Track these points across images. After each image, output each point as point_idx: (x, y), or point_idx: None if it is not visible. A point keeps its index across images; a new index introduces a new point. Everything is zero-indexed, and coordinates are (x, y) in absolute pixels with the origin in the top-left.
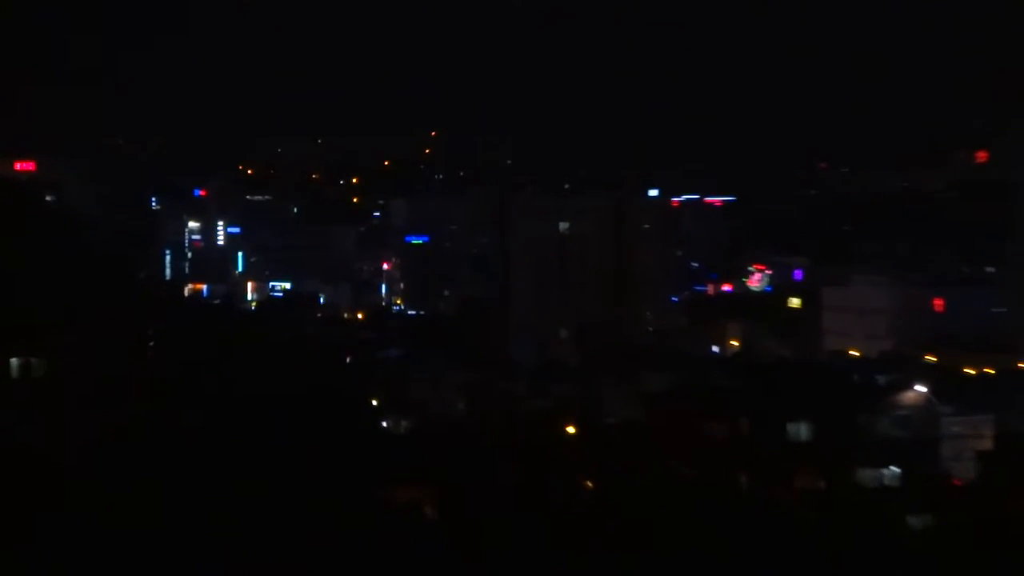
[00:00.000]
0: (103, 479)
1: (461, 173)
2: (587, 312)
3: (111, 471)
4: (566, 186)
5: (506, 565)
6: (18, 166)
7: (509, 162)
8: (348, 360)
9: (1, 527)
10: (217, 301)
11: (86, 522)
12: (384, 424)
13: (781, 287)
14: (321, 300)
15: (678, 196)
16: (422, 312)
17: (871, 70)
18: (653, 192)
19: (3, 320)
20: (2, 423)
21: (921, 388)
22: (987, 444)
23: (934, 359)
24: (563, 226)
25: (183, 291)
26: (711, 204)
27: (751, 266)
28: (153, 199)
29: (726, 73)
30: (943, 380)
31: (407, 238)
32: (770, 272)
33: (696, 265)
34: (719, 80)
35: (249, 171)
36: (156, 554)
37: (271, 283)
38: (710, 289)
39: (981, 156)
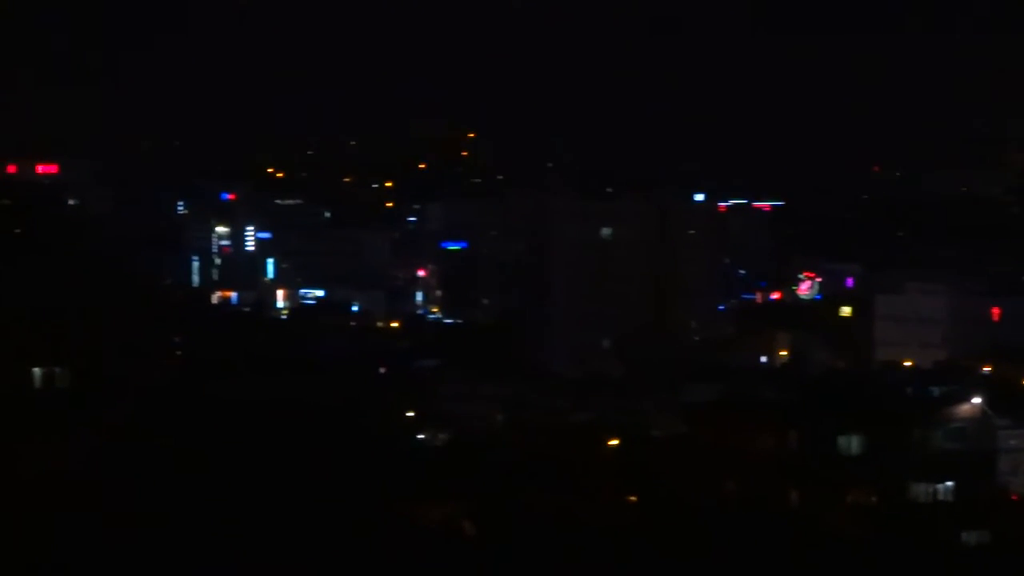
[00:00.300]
0: (129, 489)
1: (500, 177)
2: (630, 321)
3: (138, 481)
4: (608, 190)
5: None
6: (40, 169)
7: (549, 165)
8: (382, 370)
9: (22, 533)
10: (246, 309)
11: (106, 532)
12: (419, 437)
13: (832, 295)
14: (354, 308)
15: (725, 201)
16: (459, 321)
17: (925, 69)
18: (699, 197)
19: (26, 329)
20: (30, 432)
21: (977, 400)
22: None
23: (991, 370)
24: (605, 232)
25: (211, 298)
26: (759, 209)
27: (801, 273)
28: (180, 203)
29: (774, 74)
30: (1000, 392)
31: (443, 244)
32: (820, 280)
33: (743, 272)
34: (767, 81)
35: (279, 174)
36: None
37: (302, 290)
38: (758, 297)
39: None
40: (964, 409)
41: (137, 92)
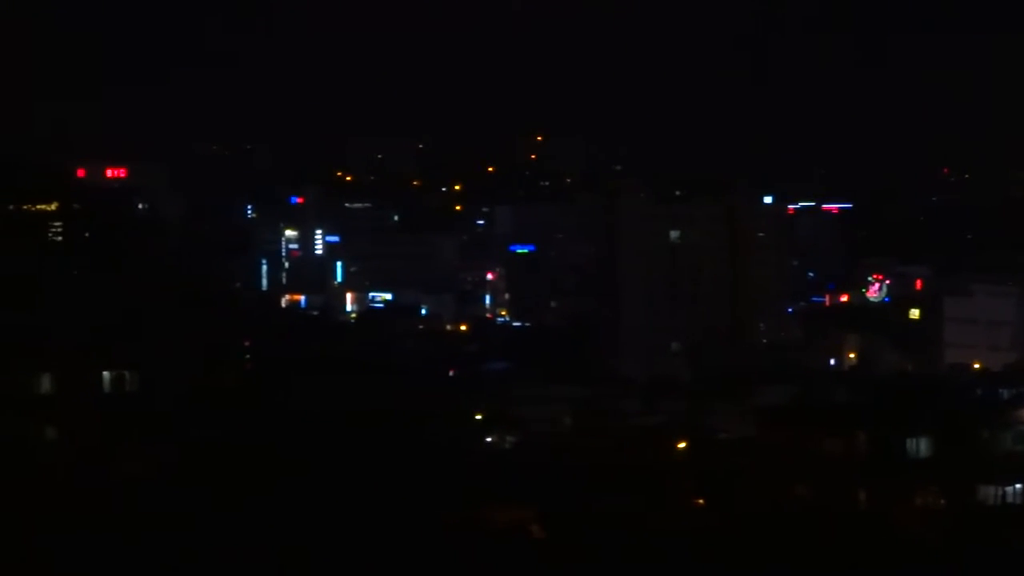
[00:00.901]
0: (200, 493)
1: (568, 179)
2: (699, 324)
3: (210, 485)
4: (677, 192)
5: None
6: (110, 173)
7: (618, 167)
8: (451, 374)
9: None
10: (315, 312)
11: (179, 535)
12: (488, 440)
13: (900, 298)
14: (423, 311)
15: (794, 203)
16: (527, 324)
17: (997, 70)
18: (768, 199)
19: (96, 332)
20: (99, 436)
21: None
22: None
23: None
24: (674, 234)
25: (280, 302)
26: (828, 211)
27: (869, 276)
28: (249, 207)
29: (844, 76)
30: None
31: (512, 247)
32: (888, 282)
33: (812, 275)
34: (837, 83)
35: (348, 177)
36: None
37: (371, 294)
38: (827, 300)
39: None
40: None
41: (208, 96)
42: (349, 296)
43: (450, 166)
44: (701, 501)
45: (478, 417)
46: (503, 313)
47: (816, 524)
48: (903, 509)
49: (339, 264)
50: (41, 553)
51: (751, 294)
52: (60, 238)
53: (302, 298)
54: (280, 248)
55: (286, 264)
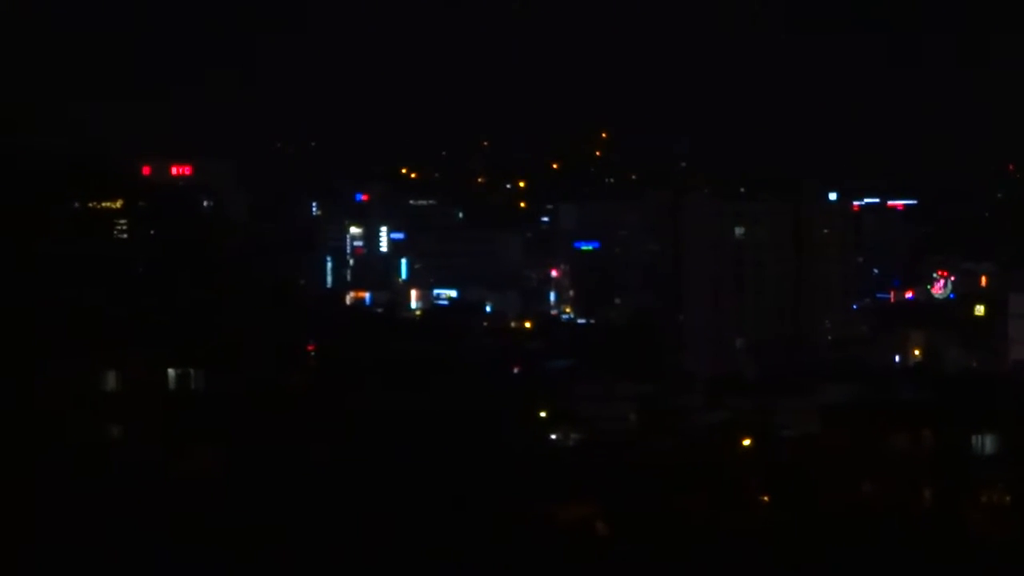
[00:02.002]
0: (268, 493)
1: (633, 176)
2: (764, 321)
3: (273, 487)
4: (742, 189)
5: None
6: (175, 170)
7: (683, 164)
8: (515, 371)
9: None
10: (380, 309)
11: (244, 536)
12: (552, 437)
13: (965, 294)
14: (487, 308)
15: (858, 200)
16: (592, 321)
17: None
18: (832, 196)
19: (162, 330)
20: (157, 436)
21: None
22: None
23: None
24: (739, 231)
25: (345, 299)
26: (893, 208)
27: (934, 272)
28: (313, 204)
29: (909, 72)
30: None
31: (576, 244)
32: (953, 279)
33: (877, 271)
34: (901, 79)
35: (412, 174)
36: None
37: (435, 291)
38: (892, 296)
39: None
40: None
41: (272, 92)
42: (414, 293)
43: (515, 163)
44: (766, 498)
45: (542, 415)
46: (567, 310)
47: (882, 522)
48: (968, 507)
49: (404, 261)
50: (102, 552)
51: (816, 291)
52: (125, 236)
53: (367, 295)
54: (345, 245)
55: (351, 261)
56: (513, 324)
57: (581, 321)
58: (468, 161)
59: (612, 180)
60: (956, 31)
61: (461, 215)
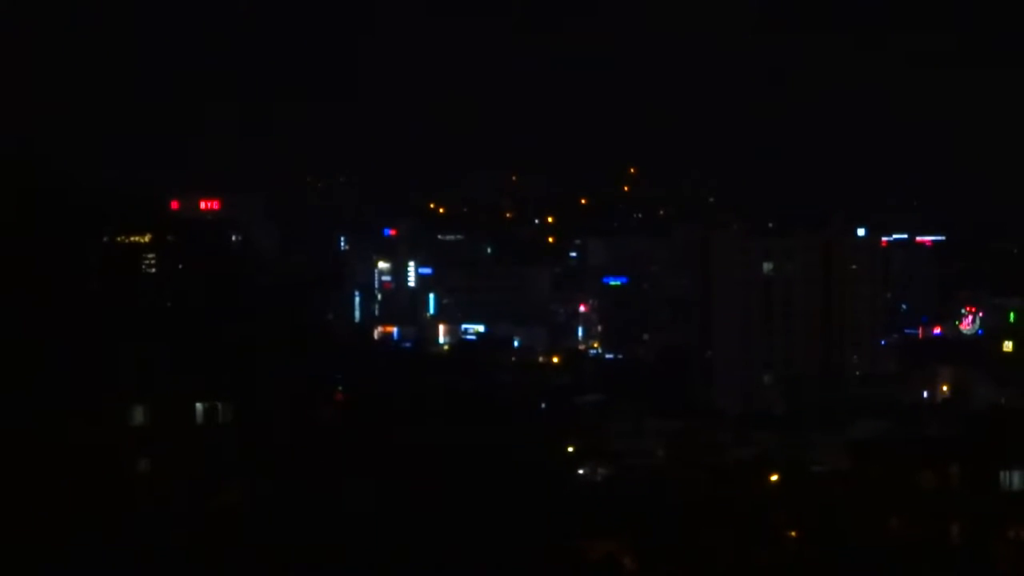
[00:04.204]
0: (295, 525)
1: (661, 212)
2: (793, 357)
3: (304, 521)
4: (770, 225)
5: None
6: (203, 204)
7: (712, 200)
8: (543, 406)
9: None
10: (407, 344)
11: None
12: (580, 472)
13: (994, 329)
14: (515, 343)
15: (887, 235)
16: (620, 356)
17: None
18: (861, 231)
19: (189, 363)
20: (189, 469)
21: None
22: None
23: None
24: (768, 267)
25: (373, 333)
26: (921, 244)
27: (963, 308)
28: (342, 238)
29: (939, 108)
30: None
31: (605, 279)
32: (982, 314)
33: (905, 307)
34: (931, 115)
35: (440, 209)
36: None
37: (463, 325)
38: (920, 332)
39: None
40: None
41: (303, 128)
42: (442, 328)
43: (543, 198)
44: (794, 534)
45: (570, 449)
46: (595, 345)
47: (910, 557)
48: (997, 542)
49: (432, 296)
50: None
51: (845, 327)
52: (153, 270)
53: (395, 330)
54: (373, 280)
55: (379, 296)
56: (541, 359)
57: (610, 356)
58: (496, 196)
59: (640, 215)
60: (982, 67)
61: (489, 250)
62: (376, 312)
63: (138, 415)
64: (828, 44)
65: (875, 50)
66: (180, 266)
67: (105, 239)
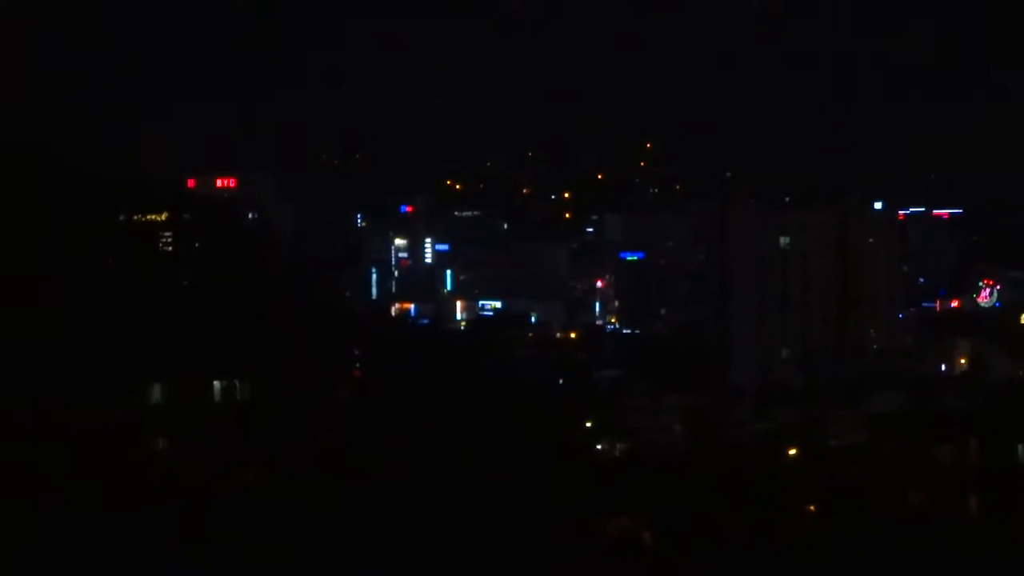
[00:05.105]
0: (311, 506)
1: (678, 186)
2: (810, 331)
3: (320, 498)
4: (787, 199)
5: None
6: (219, 183)
7: (728, 175)
8: (561, 382)
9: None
10: (425, 321)
11: (286, 551)
12: (599, 448)
13: (1012, 303)
14: (533, 319)
15: (904, 209)
16: (637, 332)
17: None
18: (878, 205)
19: (207, 342)
20: (203, 448)
21: None
22: None
23: None
24: (784, 241)
25: (390, 311)
26: (938, 217)
27: (980, 281)
28: (358, 216)
29: (954, 80)
30: None
31: (622, 255)
32: (999, 287)
33: (922, 280)
34: (947, 88)
35: (457, 186)
36: None
37: (481, 302)
38: (937, 305)
39: None
40: None
41: (318, 104)
42: (459, 304)
43: (560, 173)
44: (813, 508)
45: (588, 425)
46: (613, 321)
47: (928, 531)
48: (1015, 516)
49: (449, 273)
50: (152, 564)
51: (862, 300)
52: (170, 248)
53: (412, 307)
54: (390, 257)
55: (396, 273)
56: (559, 335)
57: (627, 332)
58: (513, 172)
59: (657, 191)
60: (998, 36)
61: (506, 226)
62: (393, 289)
63: (155, 394)
64: (843, 17)
65: (886, 25)
66: (196, 244)
67: (121, 218)
